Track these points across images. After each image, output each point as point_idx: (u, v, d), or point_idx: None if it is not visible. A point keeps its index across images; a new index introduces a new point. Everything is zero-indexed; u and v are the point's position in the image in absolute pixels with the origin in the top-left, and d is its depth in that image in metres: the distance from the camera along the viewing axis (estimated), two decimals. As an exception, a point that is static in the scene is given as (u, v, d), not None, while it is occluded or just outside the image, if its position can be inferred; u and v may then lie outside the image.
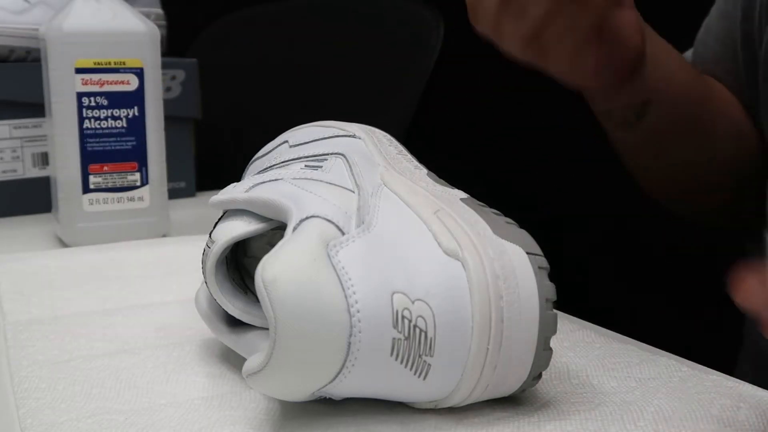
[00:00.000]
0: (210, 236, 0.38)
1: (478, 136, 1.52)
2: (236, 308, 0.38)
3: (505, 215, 0.37)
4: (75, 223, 0.65)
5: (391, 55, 1.05)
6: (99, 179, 0.65)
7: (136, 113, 0.65)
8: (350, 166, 0.40)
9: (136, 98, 0.65)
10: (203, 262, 0.38)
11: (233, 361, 0.41)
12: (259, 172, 0.43)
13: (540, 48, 0.49)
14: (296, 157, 0.43)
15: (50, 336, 0.45)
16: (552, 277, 0.35)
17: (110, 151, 0.65)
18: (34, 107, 0.73)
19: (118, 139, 0.65)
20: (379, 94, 1.04)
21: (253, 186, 0.39)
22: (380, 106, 1.02)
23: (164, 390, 0.39)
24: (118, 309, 0.50)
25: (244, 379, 0.33)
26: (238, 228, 0.37)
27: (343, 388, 0.33)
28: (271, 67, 1.18)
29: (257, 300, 0.38)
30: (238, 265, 0.41)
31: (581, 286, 1.16)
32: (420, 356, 0.32)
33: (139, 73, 0.65)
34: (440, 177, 0.41)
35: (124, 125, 0.65)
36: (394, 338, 0.32)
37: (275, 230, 0.38)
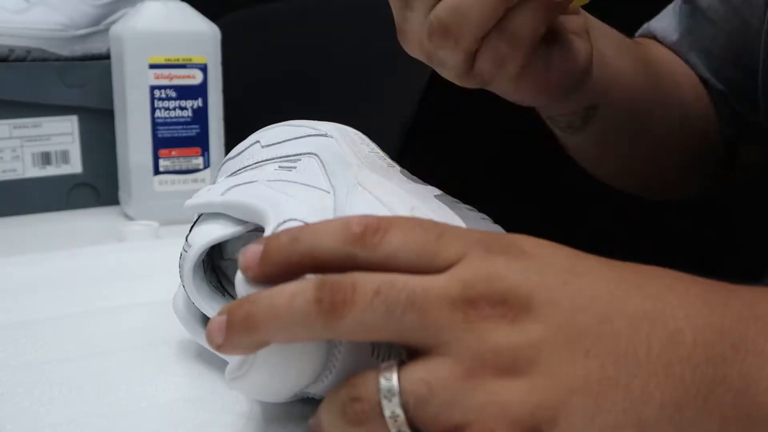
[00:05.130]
0: (186, 240, 0.38)
1: (478, 136, 1.52)
2: (214, 311, 0.38)
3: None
4: (146, 201, 0.73)
5: (391, 55, 1.05)
6: (167, 162, 0.73)
7: (200, 104, 0.73)
8: (324, 166, 0.41)
9: (200, 91, 0.73)
10: (180, 265, 0.38)
11: (210, 361, 0.42)
12: (232, 174, 0.43)
13: (479, 76, 0.42)
14: (269, 157, 0.43)
15: (21, 340, 0.45)
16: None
17: (177, 138, 0.73)
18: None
19: (185, 126, 0.73)
20: (379, 94, 1.03)
21: (229, 189, 0.39)
22: (380, 106, 1.01)
23: (145, 392, 0.39)
24: (89, 312, 0.49)
25: (227, 382, 0.34)
26: (214, 231, 0.38)
27: (325, 388, 0.33)
28: (270, 67, 1.17)
29: (235, 301, 0.38)
30: (215, 267, 0.42)
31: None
32: (400, 355, 0.33)
33: (204, 68, 0.73)
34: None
35: (190, 115, 0.73)
36: (375, 338, 0.32)
37: (251, 232, 0.38)
